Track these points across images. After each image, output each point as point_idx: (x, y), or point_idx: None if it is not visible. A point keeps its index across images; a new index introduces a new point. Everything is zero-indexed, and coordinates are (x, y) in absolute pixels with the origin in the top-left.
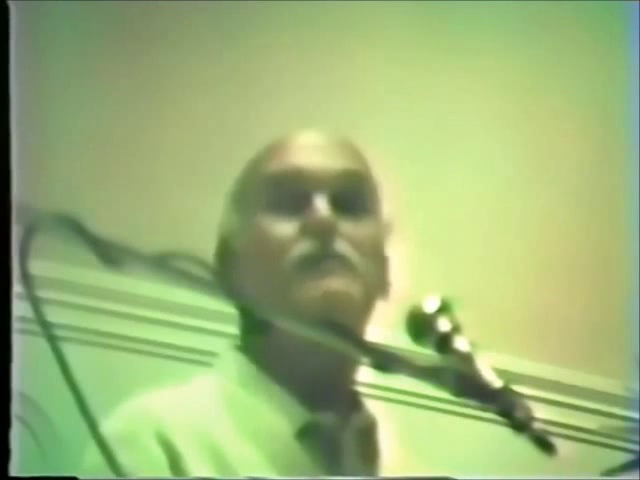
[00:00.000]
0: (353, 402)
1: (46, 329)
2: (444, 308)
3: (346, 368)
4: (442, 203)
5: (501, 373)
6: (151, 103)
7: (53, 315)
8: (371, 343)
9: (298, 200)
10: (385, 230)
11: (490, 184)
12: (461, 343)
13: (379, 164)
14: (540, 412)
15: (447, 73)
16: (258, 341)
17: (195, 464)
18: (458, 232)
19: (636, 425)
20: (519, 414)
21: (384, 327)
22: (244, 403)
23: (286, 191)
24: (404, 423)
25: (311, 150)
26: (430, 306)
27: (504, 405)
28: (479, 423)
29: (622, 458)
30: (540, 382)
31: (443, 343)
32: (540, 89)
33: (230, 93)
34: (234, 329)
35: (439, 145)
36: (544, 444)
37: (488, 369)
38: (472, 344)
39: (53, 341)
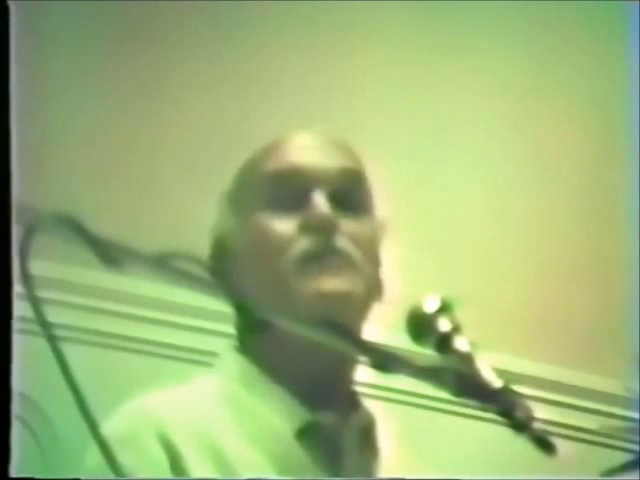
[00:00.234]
0: (352, 402)
1: (46, 329)
2: (444, 308)
3: (345, 368)
4: (442, 203)
5: (501, 373)
6: (151, 103)
7: (53, 315)
8: (371, 343)
9: (297, 198)
10: (380, 230)
11: (490, 184)
12: (461, 343)
13: (379, 164)
14: (540, 412)
15: (447, 73)
16: (258, 341)
17: (196, 464)
18: (458, 232)
19: (636, 425)
20: (519, 414)
21: (384, 327)
22: (244, 403)
23: (285, 189)
24: (404, 423)
25: (308, 149)
26: (430, 306)
27: (504, 405)
28: (479, 423)
29: (622, 458)
30: (540, 382)
31: (443, 343)
32: (540, 89)
33: (230, 93)
34: (234, 329)
35: (440, 145)
36: (544, 444)
37: (488, 369)
38: (472, 344)
39: (53, 341)
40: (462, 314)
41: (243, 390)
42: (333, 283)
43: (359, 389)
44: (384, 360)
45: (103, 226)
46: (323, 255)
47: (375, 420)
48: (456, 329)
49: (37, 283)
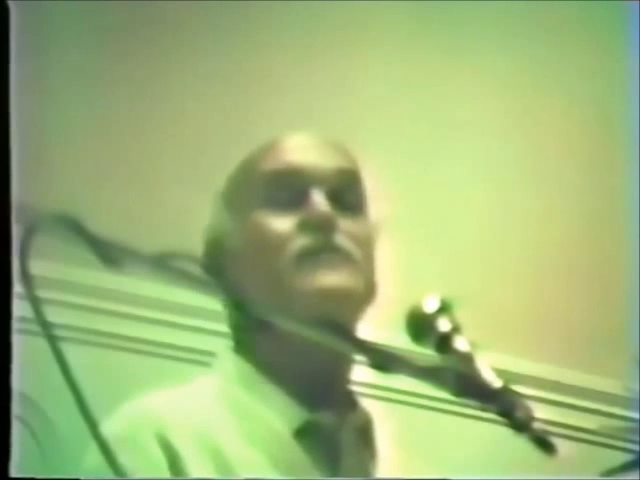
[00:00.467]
0: (350, 401)
1: (46, 329)
2: (444, 308)
3: (343, 367)
4: (443, 203)
5: (501, 373)
6: (151, 103)
7: (53, 315)
8: (371, 343)
9: (295, 197)
10: (375, 230)
11: (490, 184)
12: (461, 343)
13: (380, 164)
14: (540, 412)
15: (447, 73)
16: (255, 340)
17: (194, 465)
18: (458, 232)
19: (636, 425)
20: (519, 414)
21: (384, 327)
22: (242, 403)
23: (283, 188)
24: (404, 423)
25: (305, 149)
26: (430, 306)
27: (504, 405)
28: (479, 423)
29: (622, 458)
30: (540, 382)
31: (443, 343)
32: (540, 89)
33: (230, 93)
34: (231, 329)
35: (440, 145)
36: (544, 444)
37: (488, 369)
38: (472, 344)
39: (53, 341)
40: (462, 314)
41: (241, 390)
42: (333, 279)
43: (359, 389)
44: (384, 360)
45: (103, 226)
46: (322, 252)
47: (373, 420)
48: (456, 329)
49: (37, 283)
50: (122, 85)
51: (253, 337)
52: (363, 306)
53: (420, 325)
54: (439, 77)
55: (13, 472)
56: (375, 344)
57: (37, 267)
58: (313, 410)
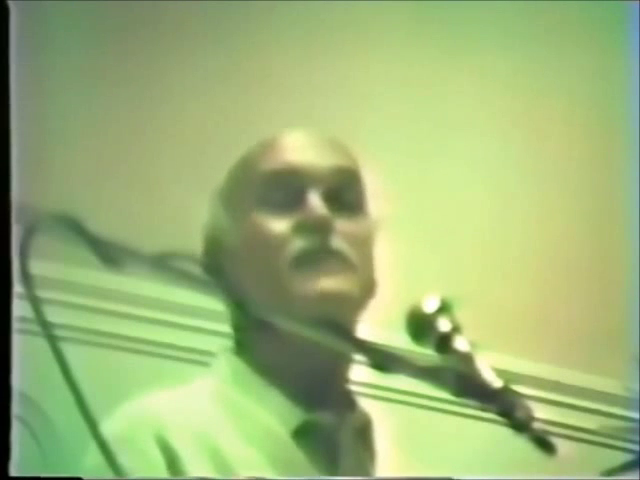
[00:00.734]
0: (348, 401)
1: (46, 329)
2: (444, 308)
3: (341, 367)
4: (443, 203)
5: (501, 373)
6: (151, 103)
7: (53, 315)
8: (371, 343)
9: (292, 197)
10: (374, 229)
11: (490, 184)
12: (461, 343)
13: (381, 163)
14: (540, 412)
15: (447, 73)
16: (253, 341)
17: (193, 466)
18: (458, 232)
19: (636, 425)
20: (519, 414)
21: (384, 327)
22: (240, 404)
23: (280, 188)
24: (404, 423)
25: (303, 148)
26: (430, 306)
27: (504, 405)
28: (479, 423)
29: (622, 458)
30: (540, 382)
31: (443, 343)
32: (540, 89)
33: (230, 93)
34: (230, 329)
35: (440, 144)
36: (544, 444)
37: (488, 369)
38: (472, 344)
39: (53, 341)
40: (462, 314)
41: (239, 390)
42: (330, 283)
43: (358, 389)
44: (384, 360)
45: (103, 226)
46: (319, 255)
47: (371, 420)
48: (456, 329)
49: (37, 283)
50: (122, 85)
51: (252, 337)
52: (361, 307)
53: (420, 325)
54: (439, 77)
55: (13, 472)
56: (375, 344)
57: (37, 267)
58: (312, 410)
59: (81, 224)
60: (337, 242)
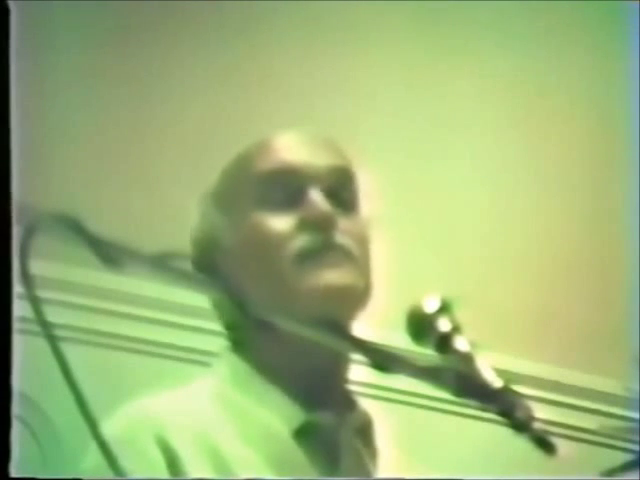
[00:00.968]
0: (349, 401)
1: (46, 329)
2: (444, 308)
3: (341, 367)
4: (443, 203)
5: (501, 373)
6: (151, 103)
7: (53, 315)
8: (371, 343)
9: (292, 196)
10: (368, 227)
11: (490, 184)
12: (461, 343)
13: (380, 163)
14: (540, 412)
15: (447, 73)
16: (254, 341)
17: (194, 467)
18: (458, 232)
19: (636, 425)
20: (519, 414)
21: (384, 327)
22: (240, 404)
23: (279, 187)
24: (404, 423)
25: (298, 147)
26: (430, 306)
27: (504, 405)
28: (479, 423)
29: (622, 458)
30: (540, 382)
31: (443, 343)
32: (540, 89)
33: (230, 93)
34: (229, 329)
35: (440, 144)
36: (544, 444)
37: (488, 369)
38: (472, 344)
39: (53, 341)
40: (462, 314)
41: (239, 391)
42: (336, 277)
43: (359, 389)
44: (384, 360)
45: (103, 226)
46: (323, 251)
47: (372, 420)
48: (456, 329)
49: (37, 283)
50: (122, 85)
51: (252, 337)
52: (363, 304)
53: (420, 325)
54: (439, 77)
55: (13, 472)
56: (375, 344)
57: (37, 267)
58: (312, 410)
59: (81, 224)
60: (340, 237)
